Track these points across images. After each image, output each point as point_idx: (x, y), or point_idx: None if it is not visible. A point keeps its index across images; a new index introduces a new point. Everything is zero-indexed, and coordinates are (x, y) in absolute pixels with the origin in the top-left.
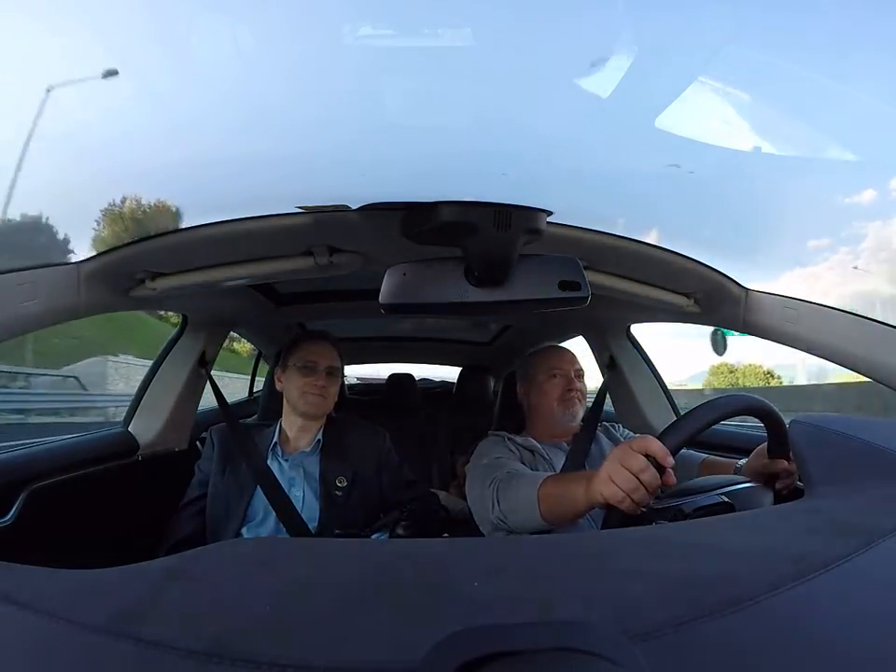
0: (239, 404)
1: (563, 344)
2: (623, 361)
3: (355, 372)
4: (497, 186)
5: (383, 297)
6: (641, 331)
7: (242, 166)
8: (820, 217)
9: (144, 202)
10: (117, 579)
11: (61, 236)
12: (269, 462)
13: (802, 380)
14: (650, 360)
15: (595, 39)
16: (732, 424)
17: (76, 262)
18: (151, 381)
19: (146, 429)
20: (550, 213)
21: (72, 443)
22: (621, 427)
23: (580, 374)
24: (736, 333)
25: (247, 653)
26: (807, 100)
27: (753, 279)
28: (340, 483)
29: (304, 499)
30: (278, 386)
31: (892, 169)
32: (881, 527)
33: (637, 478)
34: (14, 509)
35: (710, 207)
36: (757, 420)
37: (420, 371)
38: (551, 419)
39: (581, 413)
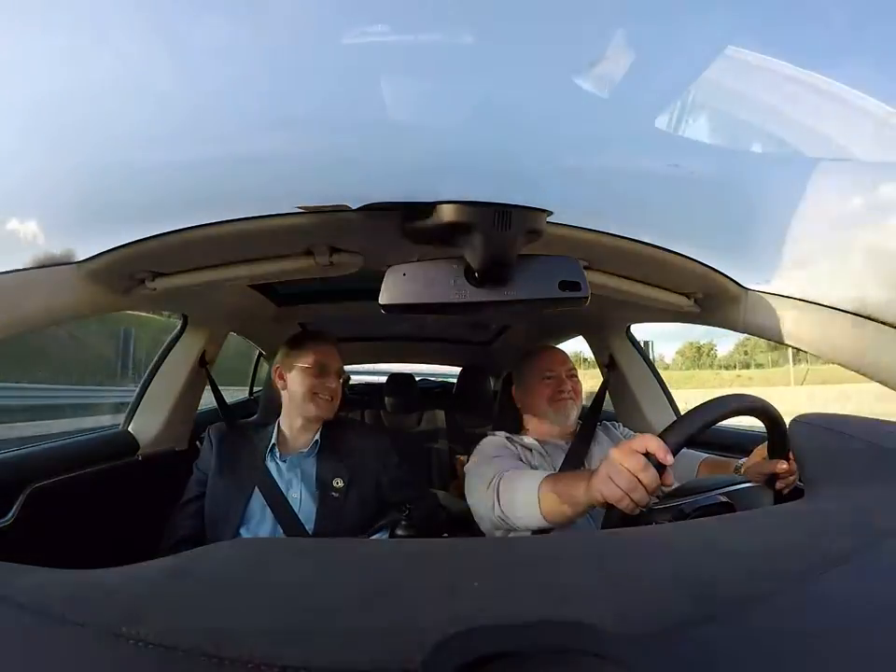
0: (239, 404)
1: (563, 344)
2: (622, 361)
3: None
4: (497, 186)
5: (383, 297)
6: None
7: (242, 166)
8: (819, 218)
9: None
10: (117, 579)
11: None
12: (267, 463)
13: None
14: (650, 360)
15: (595, 39)
16: (732, 424)
17: (76, 262)
18: (151, 381)
19: (146, 429)
20: (550, 213)
21: (72, 443)
22: (620, 426)
23: (571, 374)
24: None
25: (247, 653)
26: (807, 100)
27: (753, 279)
28: (336, 484)
29: (301, 500)
30: (280, 386)
31: (887, 171)
32: (881, 527)
33: (637, 477)
34: (14, 509)
35: (710, 207)
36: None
37: (420, 370)
38: (544, 420)
39: (574, 413)
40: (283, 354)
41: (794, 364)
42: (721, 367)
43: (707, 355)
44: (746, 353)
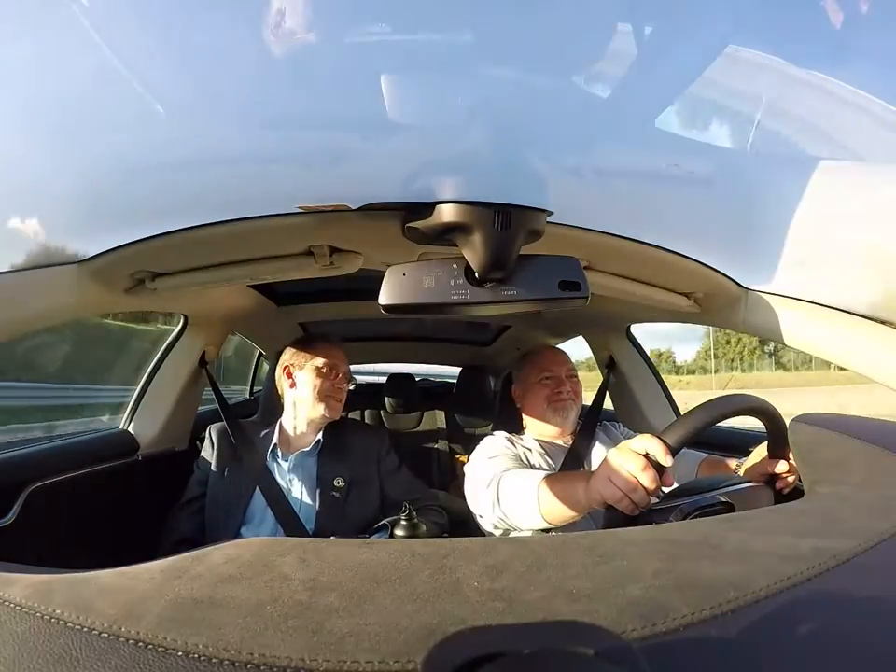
0: (239, 404)
1: (563, 345)
2: (622, 361)
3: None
4: (497, 186)
5: (383, 297)
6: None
7: (242, 166)
8: (819, 218)
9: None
10: (116, 579)
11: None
12: (268, 462)
13: None
14: (650, 360)
15: (595, 38)
16: (732, 424)
17: (76, 262)
18: (151, 381)
19: (146, 429)
20: (550, 213)
21: (72, 443)
22: (620, 426)
23: (571, 375)
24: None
25: (247, 653)
26: (808, 100)
27: (753, 279)
28: (337, 483)
29: (302, 500)
30: (287, 385)
31: (887, 171)
32: (881, 527)
33: (636, 478)
34: (14, 509)
35: (711, 207)
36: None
37: (421, 370)
38: (544, 420)
39: (573, 414)
40: (292, 353)
41: (726, 371)
42: (670, 372)
43: (666, 361)
44: (706, 359)
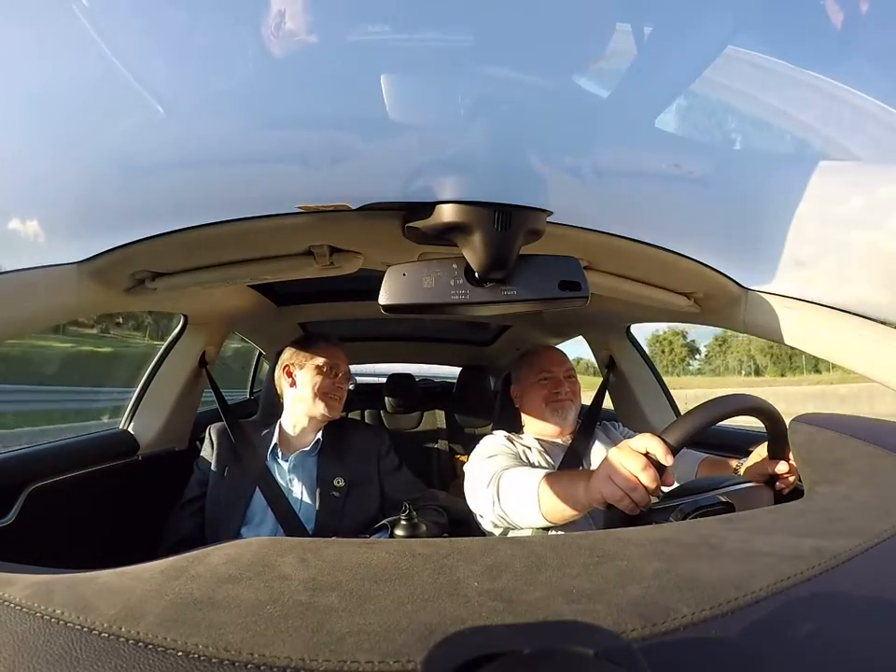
0: (239, 404)
1: (563, 345)
2: (622, 361)
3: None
4: (497, 186)
5: (383, 297)
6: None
7: (242, 166)
8: (819, 218)
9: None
10: (116, 579)
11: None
12: (268, 462)
13: None
14: (650, 360)
15: (595, 38)
16: (732, 424)
17: (76, 262)
18: (151, 381)
19: (146, 429)
20: (550, 213)
21: (72, 443)
22: (620, 426)
23: (569, 375)
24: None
25: (247, 654)
26: (807, 100)
27: (753, 279)
28: (337, 483)
29: (302, 500)
30: (287, 384)
31: (887, 171)
32: (881, 527)
33: (637, 477)
34: (14, 509)
35: (710, 207)
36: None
37: (421, 371)
38: (542, 420)
39: (572, 414)
40: (292, 352)
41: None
42: None
43: None
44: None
